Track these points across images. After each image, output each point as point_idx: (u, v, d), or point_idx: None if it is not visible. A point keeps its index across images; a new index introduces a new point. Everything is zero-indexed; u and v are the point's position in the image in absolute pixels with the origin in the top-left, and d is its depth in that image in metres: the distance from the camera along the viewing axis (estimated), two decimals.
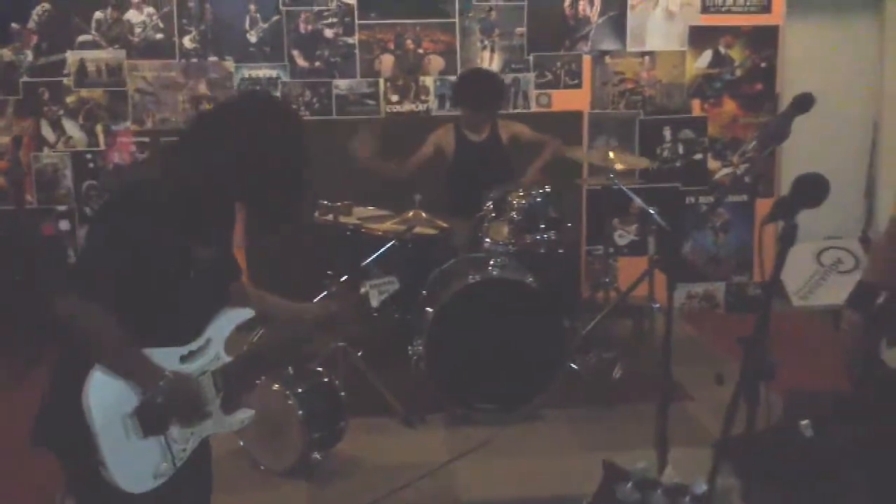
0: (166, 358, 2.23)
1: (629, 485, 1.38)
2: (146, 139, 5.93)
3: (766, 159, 6.20)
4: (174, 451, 2.25)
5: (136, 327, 2.15)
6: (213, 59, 5.96)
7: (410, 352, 4.60)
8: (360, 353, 4.68)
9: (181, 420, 2.25)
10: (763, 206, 6.31)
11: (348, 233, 4.93)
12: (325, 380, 4.22)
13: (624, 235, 6.17)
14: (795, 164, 6.27)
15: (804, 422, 4.22)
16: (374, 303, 2.68)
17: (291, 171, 2.26)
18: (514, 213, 4.72)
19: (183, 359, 2.27)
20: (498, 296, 4.47)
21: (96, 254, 2.19)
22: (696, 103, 6.24)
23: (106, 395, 2.13)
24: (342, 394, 4.17)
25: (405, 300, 4.78)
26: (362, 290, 2.65)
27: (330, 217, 4.78)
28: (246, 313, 2.42)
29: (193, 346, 2.29)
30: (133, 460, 2.18)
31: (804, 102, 2.82)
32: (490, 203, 4.75)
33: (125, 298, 2.12)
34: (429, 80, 6.13)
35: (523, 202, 4.72)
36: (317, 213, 4.86)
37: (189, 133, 2.32)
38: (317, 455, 4.00)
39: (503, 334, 4.44)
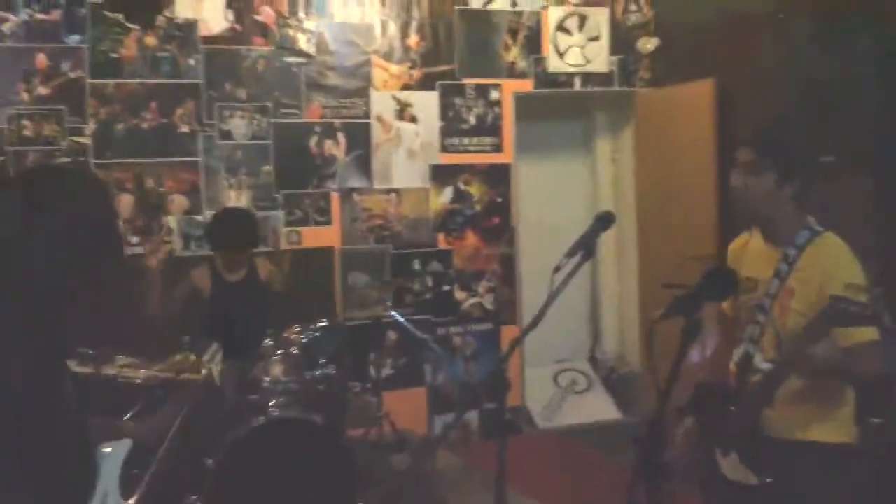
0: None
1: None
2: None
3: (509, 290, 6.56)
4: None
5: None
6: None
7: None
8: None
9: None
10: (508, 331, 6.58)
11: (103, 384, 4.49)
12: None
13: (384, 369, 6.13)
14: (532, 293, 6.65)
15: None
16: (218, 378, 2.49)
17: None
18: (293, 349, 4.55)
19: None
20: (284, 437, 4.24)
21: None
22: (441, 237, 6.48)
23: None
24: None
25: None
26: (204, 371, 2.44)
27: (89, 368, 4.33)
28: (126, 444, 2.08)
29: None
30: None
31: (606, 220, 2.98)
32: (269, 340, 4.56)
33: None
34: (172, 220, 5.87)
35: (302, 338, 4.58)
36: (75, 363, 4.39)
37: None
38: None
39: (292, 478, 4.20)
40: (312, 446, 4.26)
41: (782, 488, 2.62)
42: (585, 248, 2.91)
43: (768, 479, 2.63)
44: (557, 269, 2.76)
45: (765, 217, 2.84)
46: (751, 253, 2.95)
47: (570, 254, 2.89)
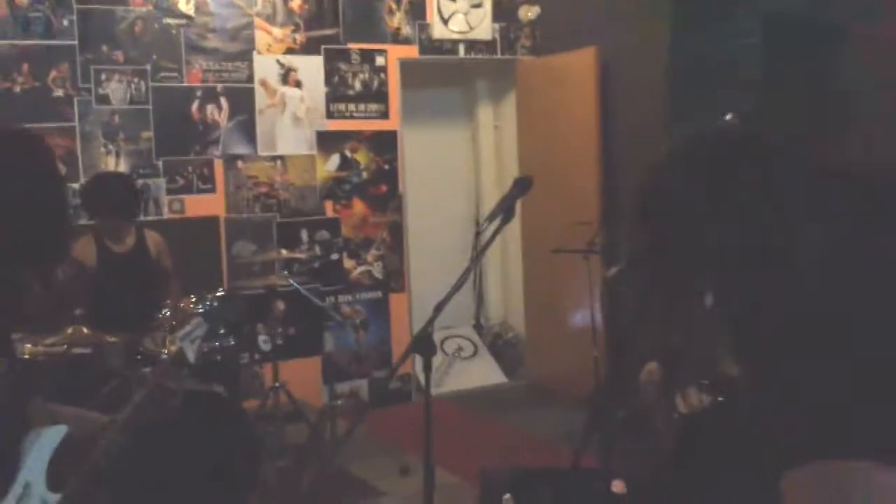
0: None
1: None
2: None
3: (397, 258, 6.56)
4: None
5: None
6: None
7: None
8: None
9: None
10: (396, 299, 6.59)
11: None
12: None
13: (268, 340, 6.02)
14: (417, 263, 6.69)
15: (506, 496, 4.41)
16: (192, 356, 2.34)
17: None
18: None
19: None
20: (186, 410, 4.12)
21: None
22: (328, 205, 6.40)
23: None
24: None
25: None
26: (173, 347, 2.31)
27: None
28: (59, 432, 1.93)
29: (11, 500, 1.78)
30: None
31: (524, 184, 3.02)
32: (167, 312, 4.41)
33: None
34: None
35: (199, 309, 4.45)
36: None
37: None
38: None
39: (195, 451, 4.09)
40: (215, 419, 4.16)
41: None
42: (505, 211, 2.93)
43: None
44: (479, 232, 2.79)
45: None
46: None
47: (491, 217, 2.91)
